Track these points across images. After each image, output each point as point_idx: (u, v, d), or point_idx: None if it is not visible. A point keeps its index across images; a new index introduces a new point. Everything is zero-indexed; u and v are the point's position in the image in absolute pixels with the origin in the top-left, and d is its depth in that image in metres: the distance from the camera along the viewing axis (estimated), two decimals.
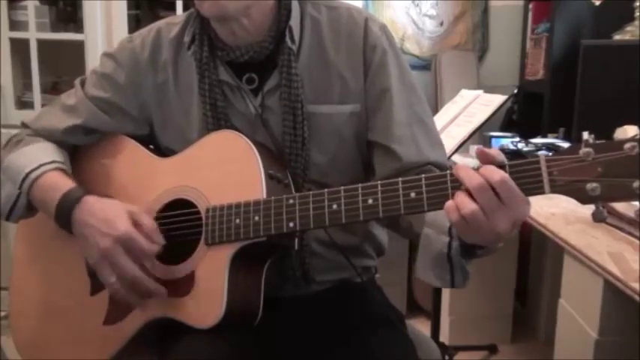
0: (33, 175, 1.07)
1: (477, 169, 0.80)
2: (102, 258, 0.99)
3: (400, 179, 0.85)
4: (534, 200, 0.81)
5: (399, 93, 1.09)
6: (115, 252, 0.97)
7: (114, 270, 0.98)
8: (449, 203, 0.81)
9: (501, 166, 0.80)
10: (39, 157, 1.10)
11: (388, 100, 1.08)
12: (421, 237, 0.96)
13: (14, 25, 2.66)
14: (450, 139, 1.88)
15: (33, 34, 2.65)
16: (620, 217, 1.44)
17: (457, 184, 0.82)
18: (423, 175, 0.84)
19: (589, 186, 0.75)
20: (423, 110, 1.12)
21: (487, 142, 2.45)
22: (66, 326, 1.13)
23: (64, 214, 1.03)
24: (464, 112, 1.96)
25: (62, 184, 1.06)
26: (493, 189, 0.78)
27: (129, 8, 2.74)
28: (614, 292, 1.28)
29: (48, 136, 1.16)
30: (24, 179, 1.07)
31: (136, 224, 0.99)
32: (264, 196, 0.96)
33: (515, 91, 2.75)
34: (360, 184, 0.89)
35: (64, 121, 1.15)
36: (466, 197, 0.80)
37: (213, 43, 1.10)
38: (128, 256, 0.98)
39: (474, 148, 2.44)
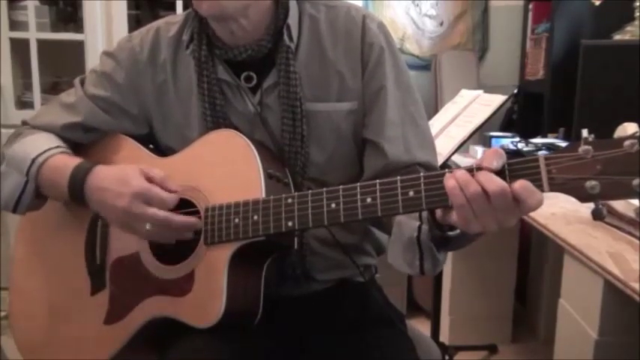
0: (40, 160, 1.08)
1: (472, 171, 0.80)
2: (125, 216, 1.00)
3: (399, 178, 0.85)
4: None
5: (394, 92, 1.09)
6: (136, 206, 0.99)
7: (143, 221, 0.99)
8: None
9: (500, 170, 0.79)
10: (43, 143, 1.11)
11: (382, 99, 1.08)
12: (394, 224, 0.96)
13: (14, 25, 2.66)
14: (449, 139, 1.88)
15: (33, 34, 2.65)
16: (620, 216, 1.44)
17: None
18: (422, 174, 0.84)
19: (588, 184, 0.74)
20: (416, 110, 1.12)
21: (487, 142, 2.44)
22: (66, 326, 1.13)
23: (77, 186, 1.04)
24: (464, 112, 1.96)
25: (71, 161, 1.07)
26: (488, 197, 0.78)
27: (129, 8, 2.75)
28: (614, 292, 1.27)
29: (47, 132, 1.16)
30: (30, 165, 1.08)
31: (148, 179, 1.01)
32: (264, 195, 0.96)
33: (515, 91, 2.76)
34: (358, 183, 0.88)
35: (62, 118, 1.16)
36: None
37: (212, 42, 1.10)
38: (149, 206, 0.99)
39: (474, 148, 2.44)
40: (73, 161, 1.07)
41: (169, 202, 1.00)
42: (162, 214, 0.99)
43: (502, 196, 0.77)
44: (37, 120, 1.18)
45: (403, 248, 0.94)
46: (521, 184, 0.76)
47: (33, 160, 1.08)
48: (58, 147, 1.11)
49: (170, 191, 1.01)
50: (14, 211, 1.13)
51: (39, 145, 1.11)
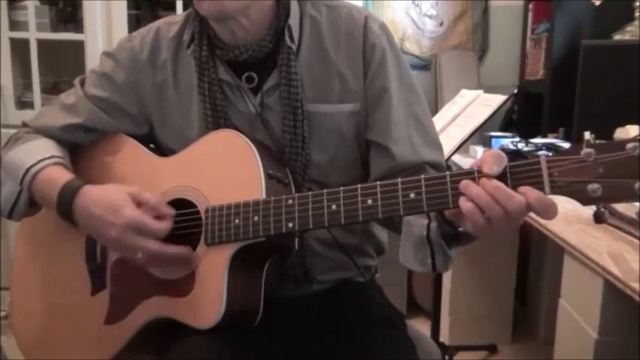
0: (33, 170, 1.07)
1: (475, 177, 0.80)
2: (118, 245, 1.00)
3: (399, 180, 0.85)
4: None
5: (398, 92, 1.09)
6: (127, 238, 0.98)
7: (135, 251, 0.99)
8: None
9: (502, 173, 0.79)
10: (38, 152, 1.10)
11: (387, 100, 1.08)
12: (403, 223, 0.96)
13: (14, 25, 2.66)
14: (450, 139, 1.88)
15: (33, 34, 2.65)
16: (620, 217, 1.44)
17: (457, 184, 0.81)
18: (423, 176, 0.84)
19: (590, 187, 0.74)
20: (421, 110, 1.12)
21: (487, 142, 2.44)
22: (67, 326, 1.13)
23: (65, 205, 1.04)
24: (464, 112, 1.96)
25: (62, 176, 1.07)
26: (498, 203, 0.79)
27: (129, 8, 2.74)
28: (614, 292, 1.28)
29: (46, 133, 1.16)
30: (24, 175, 1.08)
31: (140, 204, 1.00)
32: (264, 195, 0.96)
33: (515, 91, 2.75)
34: (359, 185, 0.88)
35: (62, 119, 1.15)
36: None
37: (213, 42, 1.10)
38: (141, 237, 0.98)
39: (474, 148, 2.44)
40: (63, 177, 1.06)
41: (161, 232, 0.99)
42: (153, 246, 0.98)
43: (520, 213, 0.78)
44: (37, 122, 1.18)
45: (414, 248, 0.94)
46: (537, 198, 0.77)
47: (27, 170, 1.08)
48: (52, 157, 1.10)
49: (164, 215, 1.00)
50: (9, 217, 1.13)
51: (34, 153, 1.10)
